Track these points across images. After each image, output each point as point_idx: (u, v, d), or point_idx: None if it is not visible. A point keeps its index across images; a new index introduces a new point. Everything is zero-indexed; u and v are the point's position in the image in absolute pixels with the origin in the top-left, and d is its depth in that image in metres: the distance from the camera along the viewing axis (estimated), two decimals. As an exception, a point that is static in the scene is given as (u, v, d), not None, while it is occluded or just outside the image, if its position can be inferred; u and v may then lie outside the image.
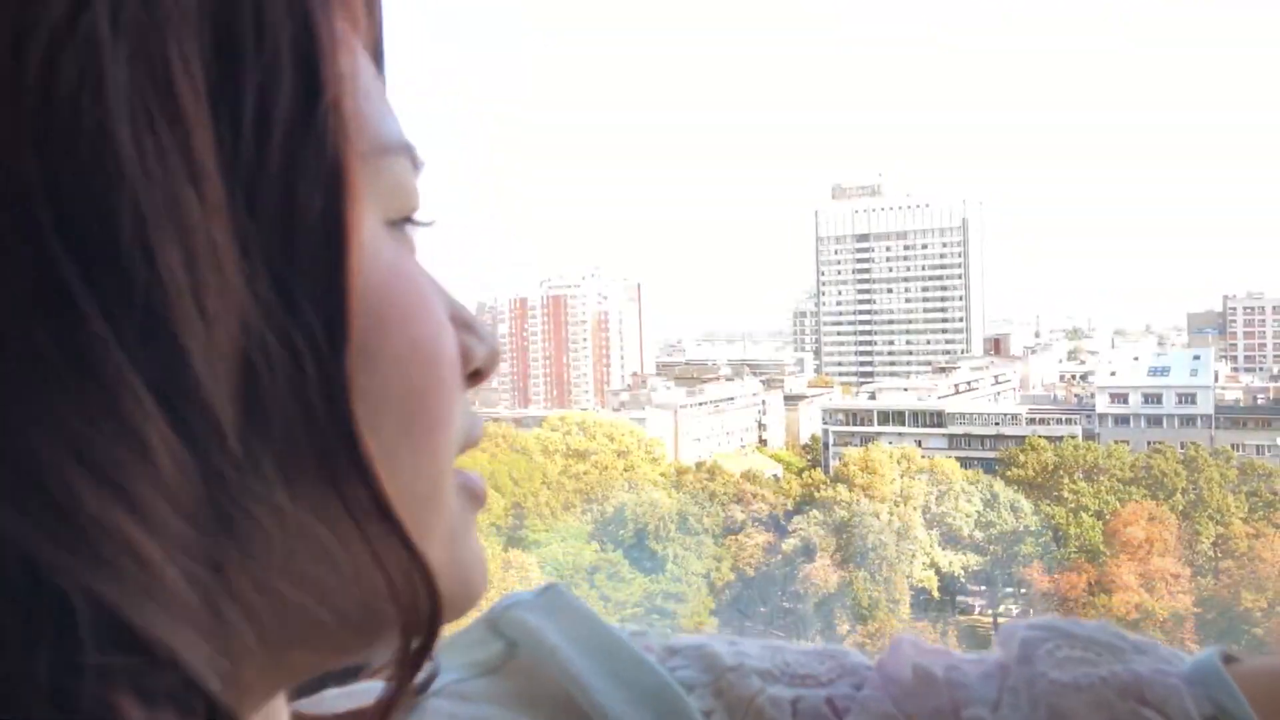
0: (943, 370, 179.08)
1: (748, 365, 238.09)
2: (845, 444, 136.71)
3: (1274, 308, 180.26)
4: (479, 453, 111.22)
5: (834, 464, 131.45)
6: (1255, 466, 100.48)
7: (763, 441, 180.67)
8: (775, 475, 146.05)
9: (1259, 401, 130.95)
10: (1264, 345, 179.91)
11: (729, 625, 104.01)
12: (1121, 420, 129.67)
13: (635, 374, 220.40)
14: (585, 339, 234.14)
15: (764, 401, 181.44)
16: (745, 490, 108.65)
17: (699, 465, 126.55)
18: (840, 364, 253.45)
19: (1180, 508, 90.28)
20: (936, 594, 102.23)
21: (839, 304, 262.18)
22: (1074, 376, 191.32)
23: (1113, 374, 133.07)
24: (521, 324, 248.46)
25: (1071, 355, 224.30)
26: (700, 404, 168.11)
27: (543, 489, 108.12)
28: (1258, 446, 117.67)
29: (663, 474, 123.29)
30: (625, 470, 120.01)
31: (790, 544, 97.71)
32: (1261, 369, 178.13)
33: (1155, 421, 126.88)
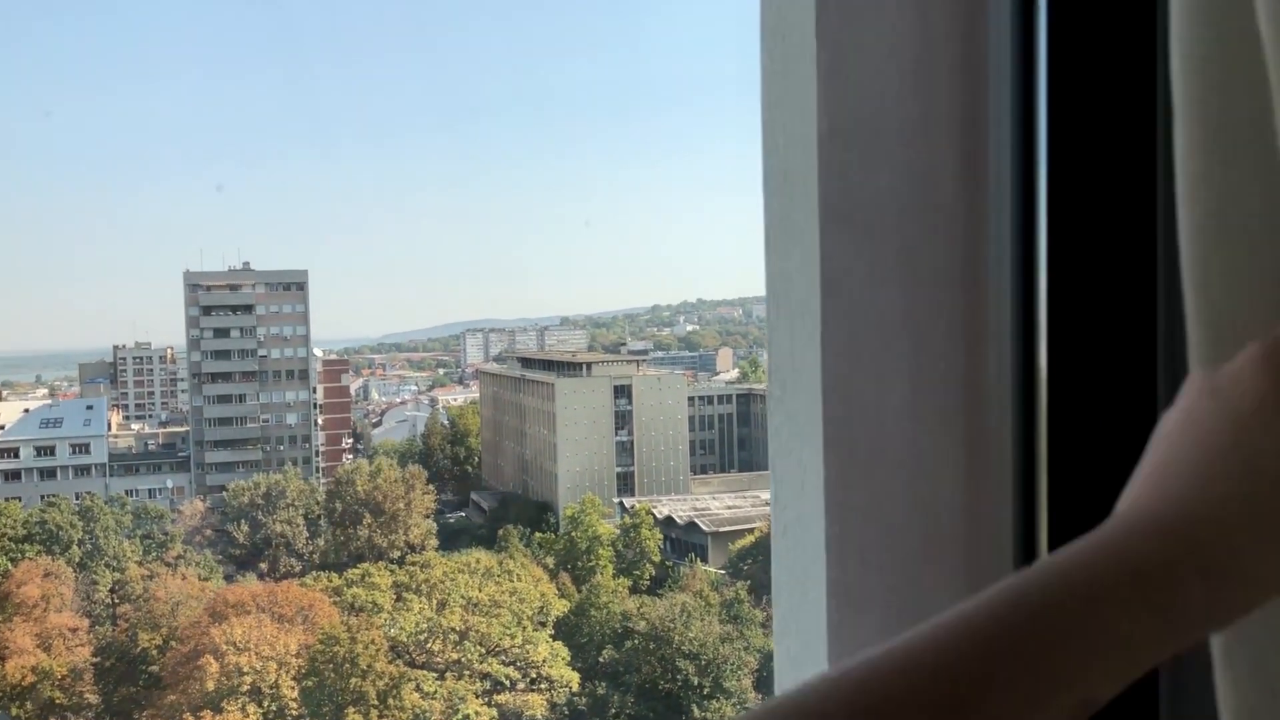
0: None
1: None
2: None
3: (161, 358, 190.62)
4: None
5: None
6: (148, 510, 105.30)
7: None
8: None
9: (150, 447, 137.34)
10: (153, 393, 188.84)
11: None
12: (14, 475, 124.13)
13: None
14: None
15: None
16: None
17: None
18: None
19: (77, 559, 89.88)
20: None
21: None
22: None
23: (1, 428, 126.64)
24: None
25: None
26: None
27: None
28: (150, 490, 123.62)
29: None
30: None
31: None
32: (152, 416, 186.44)
33: (49, 474, 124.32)
